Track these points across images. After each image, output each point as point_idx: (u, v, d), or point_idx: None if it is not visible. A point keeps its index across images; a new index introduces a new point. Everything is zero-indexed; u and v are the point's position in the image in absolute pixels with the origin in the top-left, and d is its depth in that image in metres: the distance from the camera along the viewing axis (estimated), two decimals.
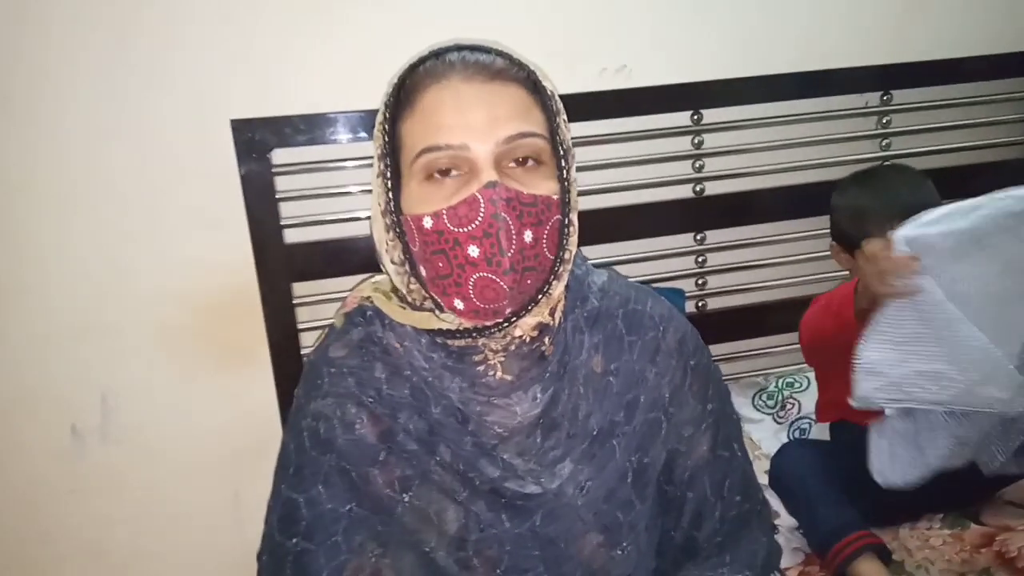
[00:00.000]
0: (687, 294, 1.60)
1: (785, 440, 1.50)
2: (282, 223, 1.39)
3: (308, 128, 1.37)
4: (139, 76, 1.33)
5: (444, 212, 0.73)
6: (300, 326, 1.44)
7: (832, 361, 1.23)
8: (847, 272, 1.44)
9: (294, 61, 1.39)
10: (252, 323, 1.40)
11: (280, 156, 1.38)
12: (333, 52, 1.40)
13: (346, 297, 0.90)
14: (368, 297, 0.85)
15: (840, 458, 1.29)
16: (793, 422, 1.53)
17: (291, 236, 1.41)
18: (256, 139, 1.34)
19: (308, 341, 1.43)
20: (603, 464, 0.84)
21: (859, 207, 1.34)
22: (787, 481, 1.32)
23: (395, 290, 0.84)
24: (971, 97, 1.68)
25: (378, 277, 0.89)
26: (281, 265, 1.40)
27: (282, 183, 1.39)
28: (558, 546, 0.82)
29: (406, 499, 0.80)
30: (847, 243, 1.36)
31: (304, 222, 1.42)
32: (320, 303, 1.44)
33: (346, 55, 1.40)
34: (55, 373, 1.41)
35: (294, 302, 1.43)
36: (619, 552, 0.83)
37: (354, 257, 1.42)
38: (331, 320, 0.89)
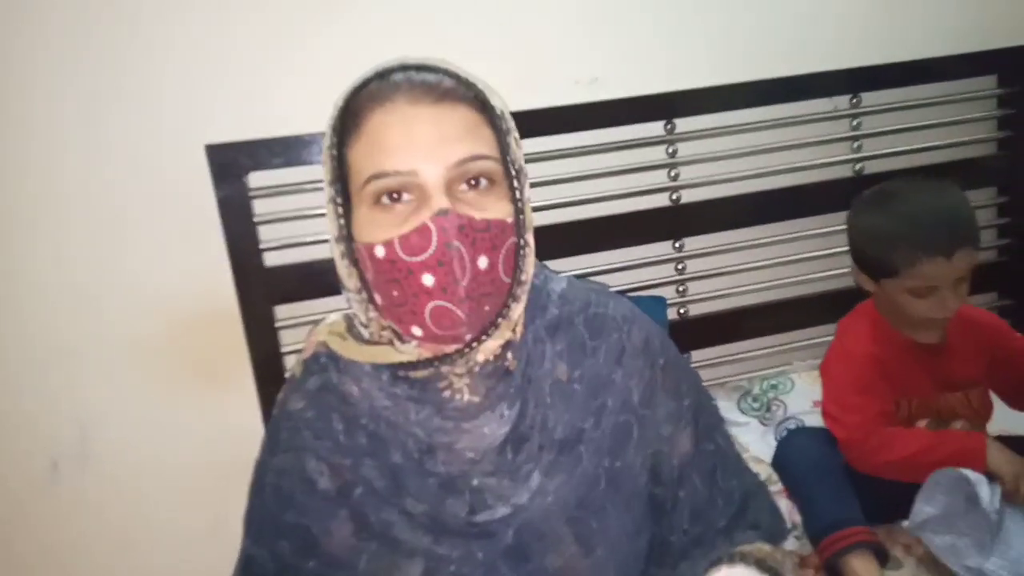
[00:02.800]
0: (668, 301, 1.61)
1: (773, 442, 1.50)
2: (261, 246, 1.39)
3: (283, 150, 1.37)
4: (112, 101, 1.33)
5: (396, 241, 0.72)
6: (284, 349, 1.43)
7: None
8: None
9: (268, 84, 1.39)
10: (233, 347, 1.40)
11: (257, 179, 1.37)
12: (306, 74, 1.39)
13: (306, 341, 0.88)
14: (323, 342, 0.84)
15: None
16: (780, 423, 1.53)
17: (271, 259, 1.41)
18: (231, 163, 1.34)
19: (292, 364, 1.43)
20: (571, 471, 0.82)
21: (883, 235, 1.23)
22: (793, 463, 1.29)
23: (350, 329, 0.83)
24: (940, 97, 1.71)
25: (332, 317, 0.87)
26: (262, 288, 1.39)
27: (260, 206, 1.39)
28: (531, 560, 0.80)
29: (369, 549, 0.79)
30: (870, 271, 1.28)
31: (284, 244, 1.42)
32: (303, 325, 1.43)
33: (319, 76, 1.39)
34: (30, 398, 1.39)
35: (276, 325, 1.42)
36: (590, 560, 0.82)
37: (335, 278, 1.41)
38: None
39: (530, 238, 0.78)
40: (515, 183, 0.77)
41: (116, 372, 1.42)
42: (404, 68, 0.76)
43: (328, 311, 0.92)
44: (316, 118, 1.34)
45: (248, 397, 1.41)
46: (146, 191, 1.37)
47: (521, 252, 0.77)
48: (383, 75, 0.76)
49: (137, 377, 1.43)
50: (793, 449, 1.32)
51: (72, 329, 1.39)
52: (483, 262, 0.73)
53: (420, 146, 0.71)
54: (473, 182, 0.74)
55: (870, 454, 1.24)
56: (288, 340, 1.43)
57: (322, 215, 1.41)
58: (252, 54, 1.37)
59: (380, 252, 0.73)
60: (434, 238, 0.71)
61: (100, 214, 1.36)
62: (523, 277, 0.77)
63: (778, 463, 1.32)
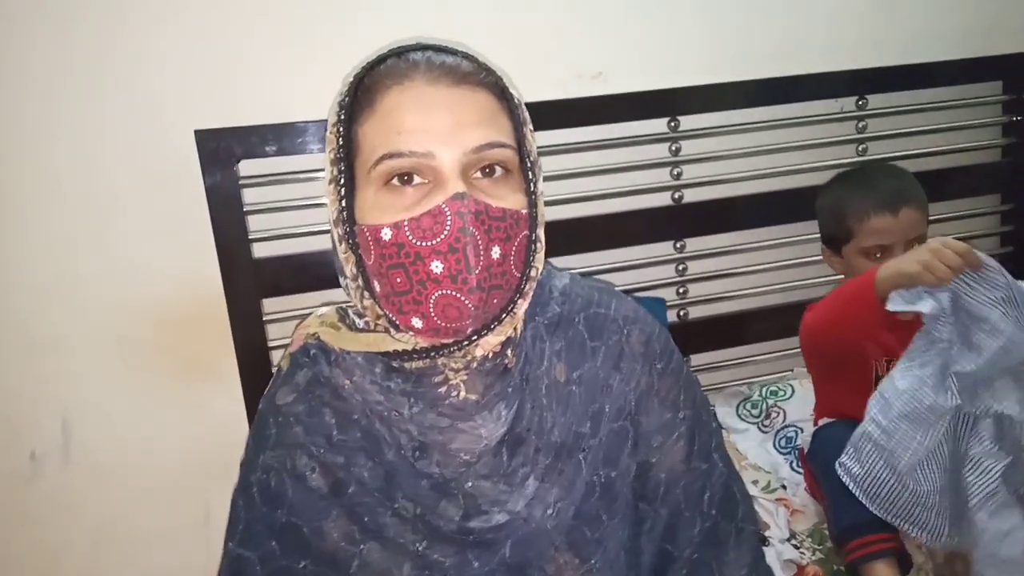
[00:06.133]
0: (668, 303, 1.58)
1: (771, 449, 1.48)
2: (250, 237, 1.35)
3: (276, 138, 1.32)
4: (98, 83, 1.28)
5: (406, 223, 0.68)
6: (271, 343, 1.39)
7: (842, 355, 1.27)
8: (839, 276, 1.43)
9: (261, 69, 1.34)
10: (219, 339, 1.35)
11: (247, 167, 1.33)
12: (302, 59, 1.35)
13: (294, 334, 0.85)
14: (314, 333, 0.80)
15: None
16: (779, 431, 1.50)
17: (260, 250, 1.37)
18: (222, 149, 1.30)
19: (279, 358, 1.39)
20: (571, 481, 0.79)
21: (838, 203, 1.35)
22: (825, 458, 1.24)
23: (343, 319, 0.80)
24: (945, 101, 1.68)
25: (323, 309, 0.84)
26: (250, 280, 1.35)
27: (250, 195, 1.34)
28: (527, 572, 0.78)
29: (363, 550, 0.76)
30: (834, 245, 1.36)
31: (274, 235, 1.37)
32: (292, 319, 1.39)
33: (315, 62, 1.36)
34: (12, 391, 1.34)
35: (264, 319, 1.38)
36: (585, 569, 0.79)
37: (326, 271, 1.36)
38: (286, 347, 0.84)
39: (541, 233, 0.75)
40: (530, 175, 0.74)
41: (99, 363, 1.37)
42: (423, 48, 0.73)
43: (318, 306, 0.89)
44: (311, 106, 1.33)
45: (234, 392, 1.37)
46: (134, 177, 1.32)
47: (533, 247, 0.74)
48: (400, 53, 0.73)
49: (120, 369, 1.38)
50: (827, 443, 1.27)
51: (55, 319, 1.34)
52: (496, 252, 0.69)
53: (438, 129, 0.68)
54: (488, 170, 0.71)
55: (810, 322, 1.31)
56: (276, 334, 1.39)
57: (315, 205, 1.40)
58: (247, 40, 1.32)
59: (387, 235, 0.69)
60: (448, 222, 0.67)
61: (85, 201, 1.31)
62: (532, 273, 0.74)
63: (815, 450, 1.30)
